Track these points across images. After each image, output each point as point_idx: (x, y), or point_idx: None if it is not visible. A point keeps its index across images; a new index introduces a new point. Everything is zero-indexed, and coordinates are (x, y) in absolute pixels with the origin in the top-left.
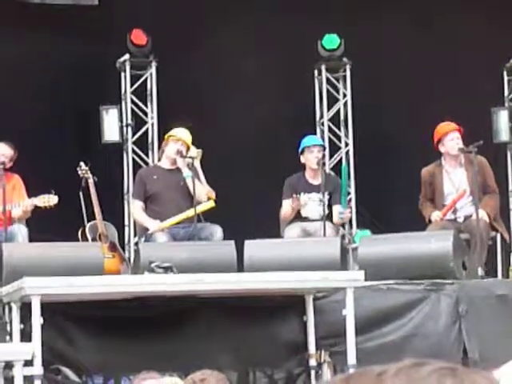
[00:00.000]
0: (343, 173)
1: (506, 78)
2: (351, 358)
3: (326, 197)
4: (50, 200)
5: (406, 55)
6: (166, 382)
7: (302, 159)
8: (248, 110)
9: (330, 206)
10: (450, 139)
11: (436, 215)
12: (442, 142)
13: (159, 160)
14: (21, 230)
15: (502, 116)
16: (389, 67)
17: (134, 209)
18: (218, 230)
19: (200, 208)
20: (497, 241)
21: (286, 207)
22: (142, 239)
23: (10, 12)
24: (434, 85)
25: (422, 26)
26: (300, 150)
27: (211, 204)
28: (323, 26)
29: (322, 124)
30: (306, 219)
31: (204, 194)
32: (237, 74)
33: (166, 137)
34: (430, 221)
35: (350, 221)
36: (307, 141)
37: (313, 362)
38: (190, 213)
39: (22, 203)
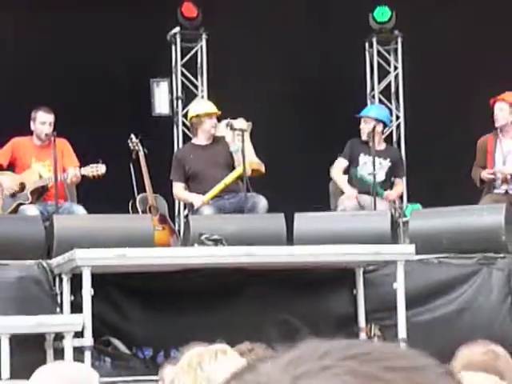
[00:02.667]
0: (357, 175)
1: None
2: (402, 331)
3: (388, 164)
4: (98, 169)
5: (457, 28)
6: (214, 347)
7: (361, 124)
8: (298, 83)
9: (390, 175)
10: (495, 110)
11: (485, 172)
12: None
13: (193, 137)
14: (80, 210)
15: None
16: (440, 40)
17: (177, 190)
18: (261, 200)
19: (230, 177)
20: None
21: (339, 168)
22: (191, 213)
23: None
24: (485, 58)
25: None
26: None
27: (239, 171)
28: None
29: (373, 97)
30: (361, 181)
31: (249, 168)
32: (286, 47)
33: (195, 114)
34: (482, 181)
35: (401, 195)
36: (363, 111)
37: (363, 336)
38: (227, 181)
39: (70, 173)
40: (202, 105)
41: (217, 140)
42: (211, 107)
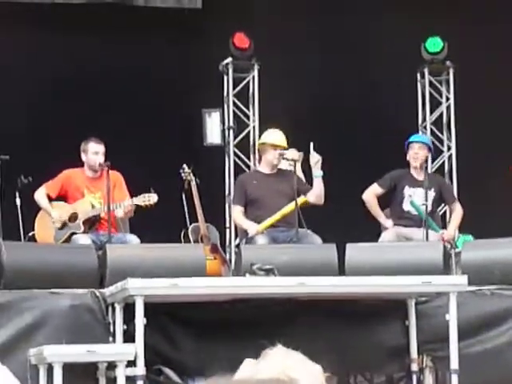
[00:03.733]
0: (416, 207)
1: None
2: (454, 363)
3: (432, 193)
4: (150, 199)
5: (509, 56)
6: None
7: (408, 156)
8: (350, 112)
9: (437, 204)
10: None
11: None
12: None
13: (258, 164)
14: (134, 240)
15: None
16: (492, 70)
17: (234, 213)
18: (317, 241)
19: (288, 208)
20: None
21: (372, 192)
22: (243, 241)
23: (112, 15)
24: None
25: None
26: (405, 146)
27: (303, 199)
28: (426, 27)
29: (425, 127)
30: (408, 214)
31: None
32: (338, 76)
33: (262, 142)
34: None
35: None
36: (411, 137)
37: (414, 367)
38: (285, 210)
39: (123, 203)
40: (272, 135)
41: (282, 172)
42: (279, 139)
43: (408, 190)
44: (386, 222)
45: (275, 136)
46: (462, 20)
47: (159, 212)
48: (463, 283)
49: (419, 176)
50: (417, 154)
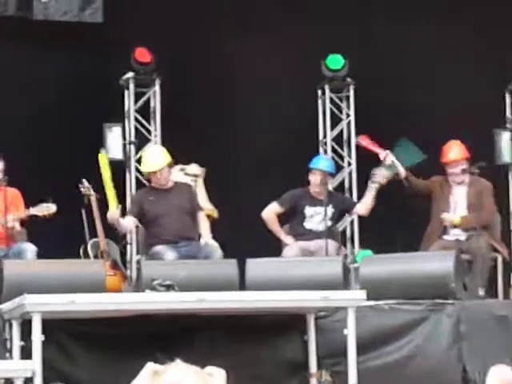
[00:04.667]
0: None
1: (508, 100)
2: (352, 377)
3: (331, 210)
4: (48, 208)
5: (409, 75)
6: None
7: (309, 177)
8: (251, 129)
9: (336, 220)
10: (455, 168)
11: None
12: (448, 166)
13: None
14: (30, 248)
15: (504, 137)
16: (392, 87)
17: (127, 223)
18: (216, 251)
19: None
20: (498, 261)
21: (272, 210)
22: (144, 257)
23: (12, 28)
24: (436, 105)
25: (425, 46)
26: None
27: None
28: (327, 45)
29: (325, 144)
30: (310, 231)
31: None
32: (240, 92)
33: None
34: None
35: (352, 240)
36: (313, 162)
37: (314, 382)
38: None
39: (16, 214)
40: (145, 164)
41: (178, 185)
42: (151, 166)
43: (309, 210)
44: (287, 239)
45: (149, 164)
46: (362, 37)
47: (59, 227)
48: (361, 298)
49: (319, 195)
50: (316, 181)
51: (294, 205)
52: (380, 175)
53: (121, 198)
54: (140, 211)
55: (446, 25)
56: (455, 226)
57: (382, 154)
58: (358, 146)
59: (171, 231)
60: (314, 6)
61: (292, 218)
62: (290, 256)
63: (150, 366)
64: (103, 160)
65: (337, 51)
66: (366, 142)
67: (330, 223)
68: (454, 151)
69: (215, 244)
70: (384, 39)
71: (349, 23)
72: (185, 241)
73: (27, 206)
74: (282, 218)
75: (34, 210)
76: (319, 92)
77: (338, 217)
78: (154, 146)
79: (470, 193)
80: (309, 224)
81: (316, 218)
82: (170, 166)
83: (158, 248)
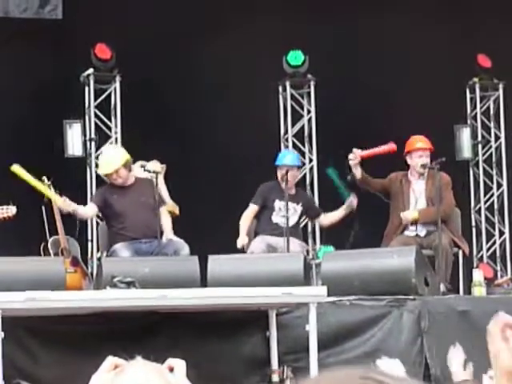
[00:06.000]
0: (331, 174)
1: (468, 96)
2: (314, 373)
3: (300, 208)
4: (8, 211)
5: (369, 71)
6: None
7: (278, 173)
8: (212, 124)
9: (301, 218)
10: (419, 156)
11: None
12: (411, 155)
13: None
14: None
15: (465, 133)
16: (353, 83)
17: (87, 211)
18: (184, 247)
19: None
20: (459, 257)
21: (249, 211)
22: (104, 254)
23: None
24: (399, 101)
25: (385, 41)
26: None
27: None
28: (288, 41)
29: (287, 140)
30: (276, 226)
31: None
32: (200, 88)
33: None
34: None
35: (314, 236)
36: (278, 159)
37: (275, 378)
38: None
39: None
40: (102, 165)
41: (140, 181)
42: (106, 168)
43: (278, 203)
44: (240, 240)
45: (105, 165)
46: (323, 33)
47: (18, 225)
48: (323, 294)
49: (289, 190)
50: (284, 176)
51: (264, 198)
52: (355, 201)
53: (82, 194)
54: (101, 204)
55: (407, 21)
56: (415, 222)
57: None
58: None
59: (134, 228)
60: (277, 3)
61: (262, 210)
62: (256, 249)
63: (111, 359)
64: (17, 170)
65: (298, 48)
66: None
67: (296, 219)
68: (421, 141)
69: (181, 240)
70: (345, 36)
71: (311, 20)
72: (147, 237)
73: None
74: None
75: None
76: (280, 88)
77: (304, 214)
78: (110, 146)
79: (429, 187)
80: (276, 218)
81: (283, 211)
82: (128, 164)
83: (115, 246)
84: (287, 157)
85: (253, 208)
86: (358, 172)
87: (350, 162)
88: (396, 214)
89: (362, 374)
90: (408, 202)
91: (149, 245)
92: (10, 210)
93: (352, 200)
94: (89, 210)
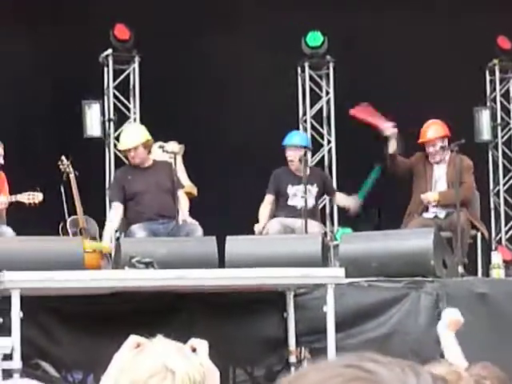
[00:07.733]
0: (374, 173)
1: (487, 78)
2: (331, 354)
3: (315, 189)
4: (35, 197)
5: (388, 54)
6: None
7: (286, 154)
8: (230, 106)
9: (319, 198)
10: (431, 148)
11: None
12: (426, 145)
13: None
14: (8, 232)
15: (484, 115)
16: (371, 65)
17: (112, 211)
18: (197, 229)
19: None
20: (477, 239)
21: (266, 202)
22: (123, 234)
23: None
24: (418, 83)
25: (406, 24)
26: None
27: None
28: (307, 23)
29: (305, 121)
30: (293, 208)
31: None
32: (220, 70)
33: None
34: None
35: (332, 218)
36: (286, 140)
37: (293, 359)
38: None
39: (4, 198)
40: (121, 141)
41: (158, 163)
42: (126, 144)
43: (291, 189)
44: (258, 225)
45: (124, 140)
46: (343, 15)
47: (38, 204)
48: (341, 275)
49: (300, 172)
50: (291, 157)
51: (277, 186)
52: (357, 206)
53: (100, 175)
54: (122, 193)
55: (430, 3)
56: (435, 203)
57: (383, 125)
58: (353, 118)
59: (151, 209)
60: None
61: (279, 196)
62: (271, 231)
63: (133, 338)
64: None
65: (317, 28)
66: (361, 114)
67: (313, 202)
68: (431, 130)
69: (195, 222)
70: (365, 17)
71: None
72: (164, 219)
73: (11, 189)
74: None
75: (20, 197)
76: (299, 69)
77: (321, 195)
78: (132, 123)
79: (450, 170)
80: (292, 201)
81: (299, 196)
82: (148, 144)
83: (132, 227)
84: (288, 137)
85: (268, 198)
86: (393, 145)
87: (388, 133)
88: (418, 193)
89: (347, 362)
90: (430, 183)
91: (166, 225)
92: (37, 197)
93: (359, 203)
94: (117, 217)
